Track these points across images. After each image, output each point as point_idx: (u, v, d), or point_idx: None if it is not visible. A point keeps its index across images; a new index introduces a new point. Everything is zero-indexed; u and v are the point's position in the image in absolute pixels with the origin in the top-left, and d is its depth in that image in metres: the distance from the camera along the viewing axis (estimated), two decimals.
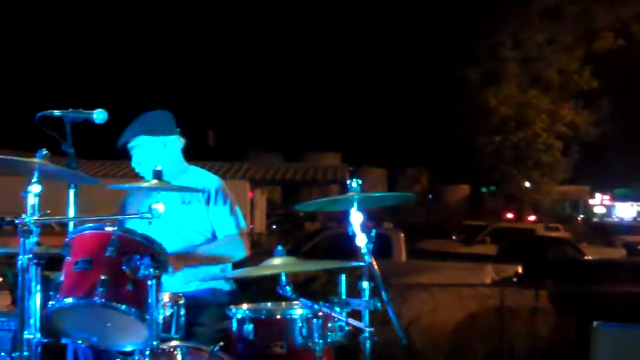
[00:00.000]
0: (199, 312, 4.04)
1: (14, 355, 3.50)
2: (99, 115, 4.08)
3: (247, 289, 4.92)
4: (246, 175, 22.46)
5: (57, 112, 4.08)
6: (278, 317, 3.92)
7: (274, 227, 27.22)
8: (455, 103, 34.70)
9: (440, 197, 45.67)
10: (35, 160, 3.66)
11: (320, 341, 3.68)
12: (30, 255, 3.56)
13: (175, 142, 4.61)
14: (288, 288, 3.76)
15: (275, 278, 4.87)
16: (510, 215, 37.35)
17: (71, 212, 4.13)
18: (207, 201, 4.48)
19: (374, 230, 3.88)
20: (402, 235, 15.40)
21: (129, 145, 4.54)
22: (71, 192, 4.15)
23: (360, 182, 3.93)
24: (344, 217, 3.90)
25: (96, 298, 3.47)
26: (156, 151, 4.53)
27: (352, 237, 3.91)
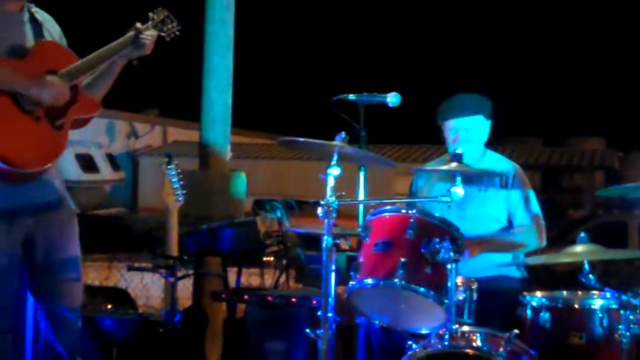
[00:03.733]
0: (490, 298, 3.97)
1: (318, 332, 3.61)
2: (393, 99, 4.13)
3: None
4: None
5: (351, 96, 4.17)
6: (576, 306, 3.78)
7: None
8: None
9: None
10: (335, 143, 3.75)
11: (628, 333, 3.49)
12: (332, 236, 3.65)
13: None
14: (591, 277, 3.60)
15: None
16: None
17: (361, 195, 4.22)
18: (504, 186, 4.39)
19: None
20: None
21: (457, 124, 4.44)
22: (361, 175, 4.23)
23: None
24: (612, 204, 3.70)
25: (396, 280, 3.51)
26: (482, 134, 4.51)
27: (625, 225, 3.67)
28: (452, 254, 3.47)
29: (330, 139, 3.74)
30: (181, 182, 4.50)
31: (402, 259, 3.52)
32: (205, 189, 6.99)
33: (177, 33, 3.98)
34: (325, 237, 3.61)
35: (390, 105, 4.13)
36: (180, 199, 4.49)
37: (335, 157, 3.72)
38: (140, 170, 26.11)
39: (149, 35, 3.82)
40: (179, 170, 4.52)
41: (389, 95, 4.13)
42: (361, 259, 3.67)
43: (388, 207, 3.74)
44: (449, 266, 3.48)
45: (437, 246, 3.50)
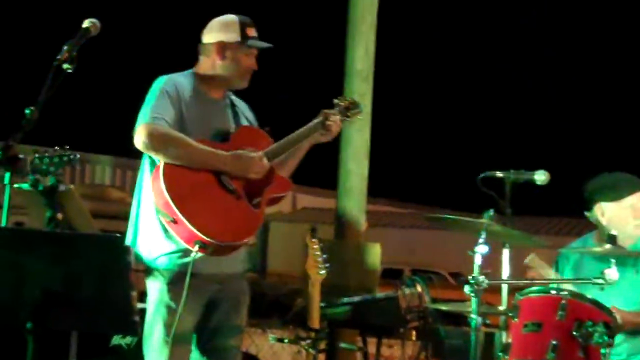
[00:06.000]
0: None
1: None
2: (542, 177, 4.09)
3: None
4: None
5: (499, 173, 4.16)
6: None
7: None
8: None
9: None
10: (484, 220, 3.74)
11: None
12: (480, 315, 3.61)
13: None
14: None
15: None
16: None
17: (505, 272, 4.15)
18: None
19: None
20: None
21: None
22: (505, 251, 4.17)
23: None
24: None
25: None
26: None
27: None
28: (605, 337, 3.38)
29: (460, 210, 3.74)
30: (324, 255, 4.53)
31: (553, 341, 3.46)
32: (340, 259, 7.04)
33: (360, 117, 4.14)
34: (473, 317, 3.57)
35: (539, 183, 4.10)
36: (323, 271, 4.52)
37: (483, 234, 3.70)
38: (270, 236, 26.49)
39: (335, 121, 3.97)
40: (322, 244, 4.56)
41: (537, 172, 4.10)
42: (510, 339, 3.62)
43: (537, 287, 3.68)
44: (602, 350, 3.39)
45: (590, 329, 3.42)
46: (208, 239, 3.47)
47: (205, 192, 3.59)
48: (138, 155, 3.74)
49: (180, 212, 3.46)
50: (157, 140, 3.55)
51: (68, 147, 4.11)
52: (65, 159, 4.06)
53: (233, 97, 3.98)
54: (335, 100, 4.08)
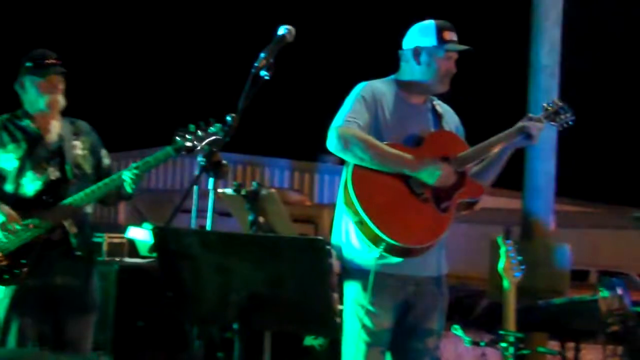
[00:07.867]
0: None
1: None
2: None
3: None
4: None
5: None
6: None
7: None
8: None
9: None
10: None
11: None
12: None
13: None
14: None
15: None
16: None
17: None
18: None
19: None
20: None
21: None
22: None
23: None
24: None
25: None
26: None
27: None
28: None
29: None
30: (519, 257, 4.43)
31: None
32: (528, 261, 6.86)
33: (571, 123, 3.99)
34: None
35: None
36: (518, 274, 4.42)
37: None
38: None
39: (537, 126, 3.86)
40: (517, 246, 4.46)
41: None
42: None
43: None
44: None
45: None
46: (391, 242, 3.53)
47: (391, 194, 3.64)
48: (315, 158, 3.84)
49: (365, 213, 3.53)
50: (345, 142, 3.63)
51: (212, 119, 4.09)
52: (211, 130, 4.04)
53: (437, 102, 3.98)
54: (544, 105, 3.98)
